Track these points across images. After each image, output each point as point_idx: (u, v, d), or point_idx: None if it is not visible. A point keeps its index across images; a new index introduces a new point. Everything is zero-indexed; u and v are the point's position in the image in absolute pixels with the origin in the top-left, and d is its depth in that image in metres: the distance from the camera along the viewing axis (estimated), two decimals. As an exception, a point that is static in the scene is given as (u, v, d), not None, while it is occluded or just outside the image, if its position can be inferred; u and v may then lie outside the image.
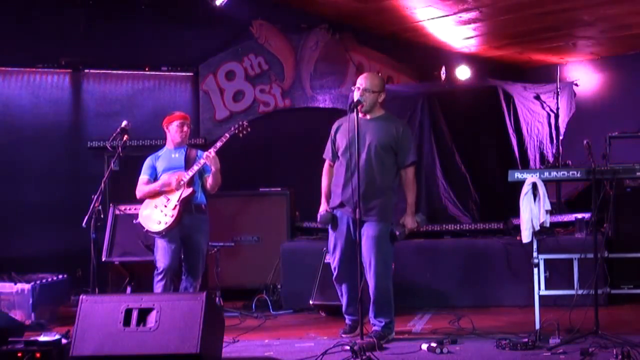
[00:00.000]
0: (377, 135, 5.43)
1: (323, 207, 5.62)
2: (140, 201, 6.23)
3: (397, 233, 5.43)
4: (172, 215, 5.91)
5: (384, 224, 5.42)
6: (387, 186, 5.48)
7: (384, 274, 5.41)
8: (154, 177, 6.13)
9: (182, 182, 5.94)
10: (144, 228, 6.03)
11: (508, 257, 6.84)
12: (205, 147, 7.16)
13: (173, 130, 6.14)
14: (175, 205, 5.92)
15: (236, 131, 6.06)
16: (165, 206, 5.95)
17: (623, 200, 6.53)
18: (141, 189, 6.12)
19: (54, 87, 8.46)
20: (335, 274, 5.58)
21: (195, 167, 5.98)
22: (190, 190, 5.95)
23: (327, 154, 5.68)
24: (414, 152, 5.57)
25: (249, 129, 6.09)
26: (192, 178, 5.97)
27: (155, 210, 5.98)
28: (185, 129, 6.15)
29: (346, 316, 5.67)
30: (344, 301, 5.64)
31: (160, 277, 5.92)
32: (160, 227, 5.91)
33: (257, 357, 5.18)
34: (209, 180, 6.04)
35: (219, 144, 5.96)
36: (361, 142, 5.36)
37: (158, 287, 5.93)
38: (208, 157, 5.91)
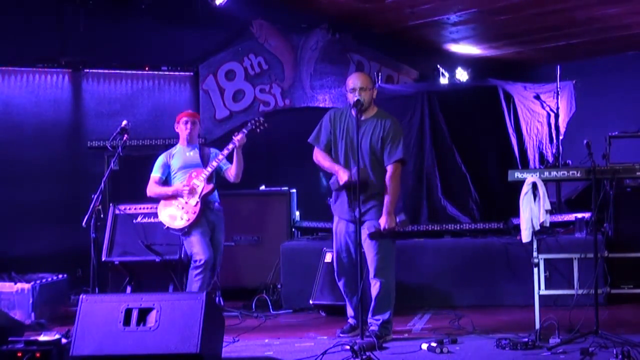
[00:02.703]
0: (370, 137, 5.44)
1: (345, 172, 5.35)
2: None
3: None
4: (194, 212, 6.03)
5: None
6: (378, 185, 5.46)
7: (384, 270, 5.43)
8: (167, 176, 6.19)
9: (194, 188, 6.04)
10: (165, 225, 6.13)
11: (508, 257, 6.84)
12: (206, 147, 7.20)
13: (181, 128, 6.31)
14: (197, 202, 6.04)
15: (254, 127, 6.17)
16: (187, 203, 6.05)
17: (623, 200, 6.53)
18: (153, 188, 6.22)
19: (54, 87, 8.46)
20: (336, 272, 5.60)
21: (215, 163, 6.11)
22: (210, 186, 6.08)
23: (319, 141, 5.56)
24: (400, 150, 5.46)
25: (265, 125, 6.19)
26: (212, 175, 6.10)
27: (176, 207, 6.08)
28: (189, 125, 6.27)
29: (351, 319, 5.68)
30: (347, 302, 5.65)
31: (200, 270, 5.98)
32: (182, 224, 6.03)
33: (257, 357, 5.18)
34: (233, 169, 6.17)
35: (245, 131, 6.11)
36: (356, 144, 5.37)
37: (196, 280, 5.99)
38: (240, 140, 6.06)
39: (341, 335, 5.54)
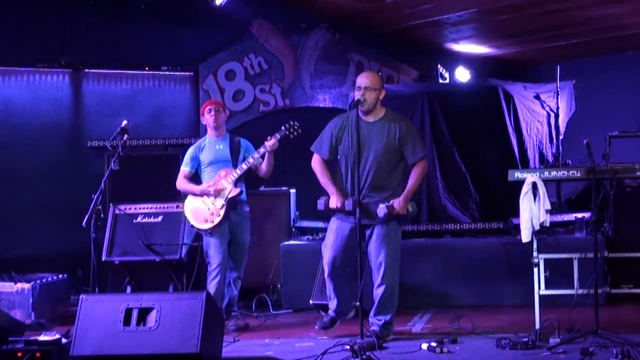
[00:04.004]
0: (381, 139, 5.42)
1: (338, 198, 5.38)
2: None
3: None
4: (219, 215, 6.01)
5: (392, 223, 5.44)
6: (393, 186, 5.48)
7: (392, 272, 5.44)
8: (196, 169, 6.22)
9: (221, 190, 6.03)
10: (189, 222, 6.16)
11: (508, 257, 6.84)
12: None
13: (206, 118, 6.24)
14: (223, 205, 6.02)
15: (287, 132, 6.08)
16: (213, 204, 6.04)
17: (623, 200, 6.53)
18: (181, 183, 6.24)
19: (54, 87, 8.44)
20: (328, 271, 5.58)
21: (244, 166, 6.08)
22: (237, 190, 6.05)
23: (321, 149, 5.58)
24: (421, 147, 5.52)
25: (299, 130, 6.07)
26: (240, 178, 6.08)
27: (202, 207, 6.07)
28: (214, 113, 6.21)
29: (331, 311, 5.69)
30: (334, 302, 5.64)
31: (215, 273, 6.01)
32: (207, 226, 6.02)
33: (257, 357, 5.18)
34: (264, 167, 6.12)
35: (278, 136, 6.02)
36: (366, 146, 5.36)
37: (213, 284, 6.01)
38: (272, 146, 6.00)
39: (321, 330, 5.59)
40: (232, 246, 6.17)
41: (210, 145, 6.24)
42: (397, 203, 5.34)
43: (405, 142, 5.44)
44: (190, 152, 6.28)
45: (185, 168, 6.24)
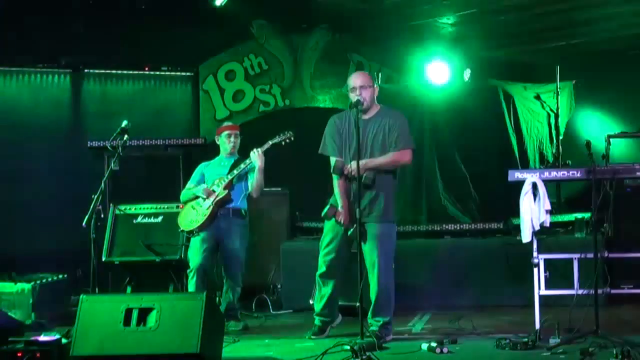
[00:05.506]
0: (374, 135, 5.45)
1: (347, 217, 5.39)
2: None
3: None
4: (205, 215, 6.02)
5: (385, 224, 5.44)
6: (386, 185, 5.48)
7: (386, 272, 5.43)
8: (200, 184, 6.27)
9: (211, 192, 6.05)
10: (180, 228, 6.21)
11: (508, 257, 6.85)
12: (205, 147, 7.22)
13: (222, 141, 6.31)
14: (210, 206, 6.02)
15: (279, 140, 6.09)
16: (202, 206, 6.08)
17: (623, 200, 6.53)
18: (183, 193, 6.34)
19: (54, 87, 8.45)
20: (322, 270, 5.58)
21: (236, 172, 6.09)
22: (225, 192, 6.05)
23: (329, 151, 5.56)
24: (406, 140, 5.45)
25: (292, 138, 6.10)
26: (231, 182, 6.08)
27: (191, 210, 6.13)
28: (232, 139, 6.29)
29: (318, 317, 5.69)
30: (322, 301, 5.64)
31: (191, 275, 6.02)
32: (192, 225, 6.04)
33: (257, 357, 5.18)
34: (253, 182, 6.10)
35: (264, 147, 6.05)
36: (362, 144, 5.36)
37: (190, 286, 6.02)
38: (254, 154, 5.99)
39: (312, 337, 5.59)
40: (222, 253, 6.18)
41: (216, 162, 6.34)
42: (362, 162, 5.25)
43: (391, 132, 5.44)
44: (197, 168, 6.38)
45: (190, 184, 6.33)
